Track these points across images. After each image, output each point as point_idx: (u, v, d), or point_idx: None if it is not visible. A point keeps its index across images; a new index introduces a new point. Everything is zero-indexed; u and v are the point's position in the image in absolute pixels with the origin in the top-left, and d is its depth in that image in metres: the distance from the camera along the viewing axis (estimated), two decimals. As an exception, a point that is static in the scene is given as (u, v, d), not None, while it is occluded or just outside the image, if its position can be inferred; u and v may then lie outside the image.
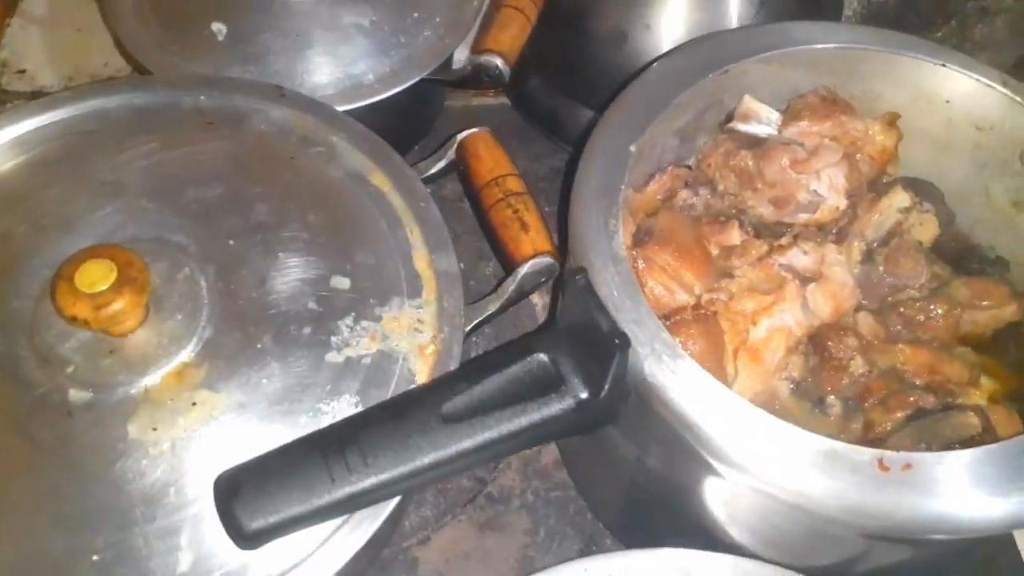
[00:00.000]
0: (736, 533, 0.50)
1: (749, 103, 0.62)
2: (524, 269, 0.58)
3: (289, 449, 0.43)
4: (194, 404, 0.48)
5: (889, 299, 0.60)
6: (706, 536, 0.52)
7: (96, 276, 0.46)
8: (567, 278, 0.44)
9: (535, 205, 0.61)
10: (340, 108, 0.68)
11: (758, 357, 0.57)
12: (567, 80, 0.86)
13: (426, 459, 0.44)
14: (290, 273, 0.54)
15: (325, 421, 0.48)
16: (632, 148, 0.51)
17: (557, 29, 0.82)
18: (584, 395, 0.45)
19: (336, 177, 0.60)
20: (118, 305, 0.46)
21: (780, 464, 0.42)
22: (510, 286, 0.59)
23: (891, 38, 0.60)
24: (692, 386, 0.44)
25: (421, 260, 0.57)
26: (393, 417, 0.44)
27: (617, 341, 0.41)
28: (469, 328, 0.59)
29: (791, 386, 0.58)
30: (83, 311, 0.45)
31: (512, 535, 0.69)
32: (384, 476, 0.43)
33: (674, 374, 0.44)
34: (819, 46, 0.60)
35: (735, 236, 0.62)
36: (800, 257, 0.60)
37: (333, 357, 0.51)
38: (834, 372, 0.56)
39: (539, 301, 0.76)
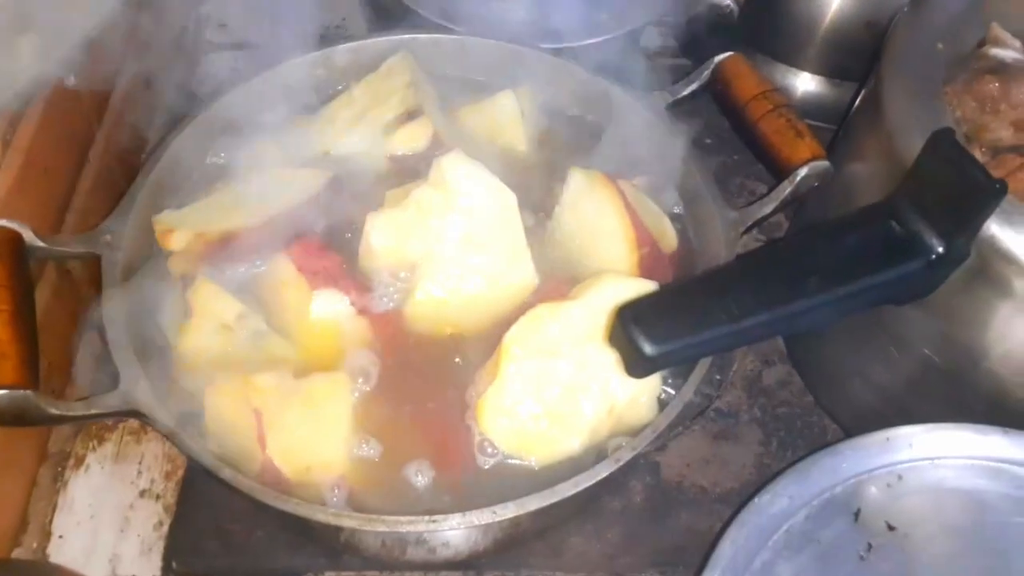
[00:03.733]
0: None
1: (997, 30, 0.66)
2: (803, 171, 0.62)
3: (682, 288, 0.47)
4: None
5: None
6: (992, 410, 0.56)
7: None
8: (931, 140, 0.48)
9: (803, 117, 0.65)
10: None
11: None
12: (757, 34, 0.90)
13: (798, 305, 0.47)
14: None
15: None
16: (940, 45, 0.55)
17: None
18: (940, 249, 0.48)
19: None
20: None
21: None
22: (787, 188, 0.62)
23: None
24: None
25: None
26: (769, 266, 0.48)
27: (998, 187, 0.45)
28: (744, 229, 0.63)
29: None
30: None
31: (747, 444, 0.72)
32: (766, 316, 0.46)
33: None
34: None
35: (977, 154, 0.66)
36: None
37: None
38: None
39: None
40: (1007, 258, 0.49)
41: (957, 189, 0.47)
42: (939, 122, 0.52)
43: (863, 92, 0.65)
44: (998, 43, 0.66)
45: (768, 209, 0.63)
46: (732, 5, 0.74)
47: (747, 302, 0.46)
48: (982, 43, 0.67)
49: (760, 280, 0.47)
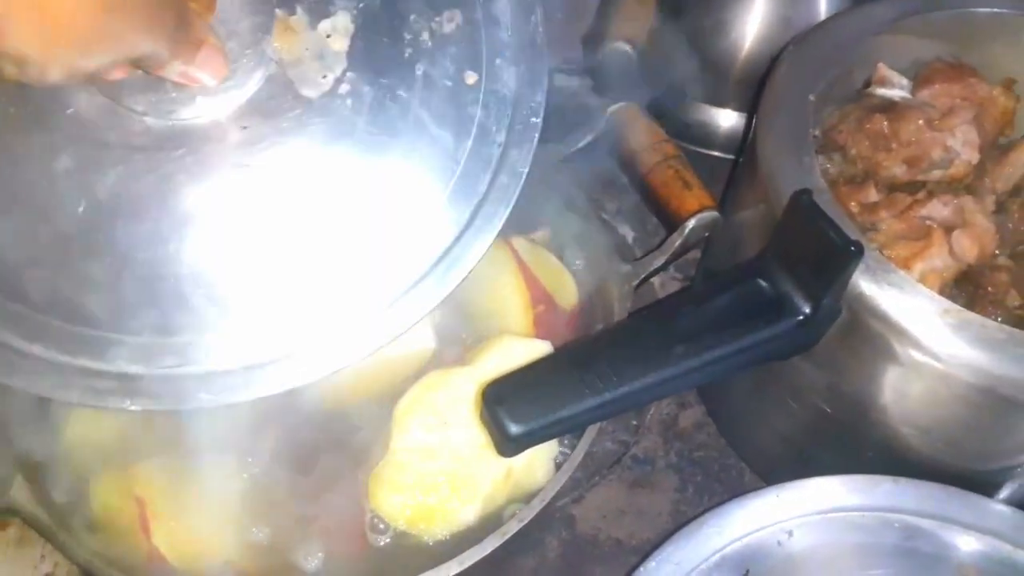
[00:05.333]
0: (919, 442, 0.53)
1: (884, 70, 0.67)
2: (691, 223, 0.62)
3: (545, 364, 0.46)
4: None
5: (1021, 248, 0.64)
6: (883, 458, 0.56)
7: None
8: (792, 201, 0.48)
9: (690, 166, 0.65)
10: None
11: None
12: (671, 73, 0.90)
13: (664, 373, 0.47)
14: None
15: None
16: (811, 97, 0.56)
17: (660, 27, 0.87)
18: (807, 310, 0.48)
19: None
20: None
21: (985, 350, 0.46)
22: (677, 240, 0.62)
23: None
24: (905, 297, 0.48)
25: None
26: (633, 336, 0.47)
27: (853, 249, 0.45)
28: (637, 283, 0.63)
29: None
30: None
31: (662, 492, 0.72)
32: (629, 388, 0.46)
33: (889, 287, 0.48)
34: (939, 13, 0.65)
35: (873, 195, 0.66)
36: (940, 208, 0.64)
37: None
38: (990, 306, 0.60)
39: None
40: (876, 314, 0.49)
41: (819, 250, 0.47)
42: (807, 179, 0.52)
43: (748, 141, 0.65)
44: (885, 83, 0.67)
45: (659, 262, 0.63)
46: (631, 51, 0.74)
47: (610, 375, 0.46)
48: (869, 82, 0.68)
49: (625, 351, 0.47)
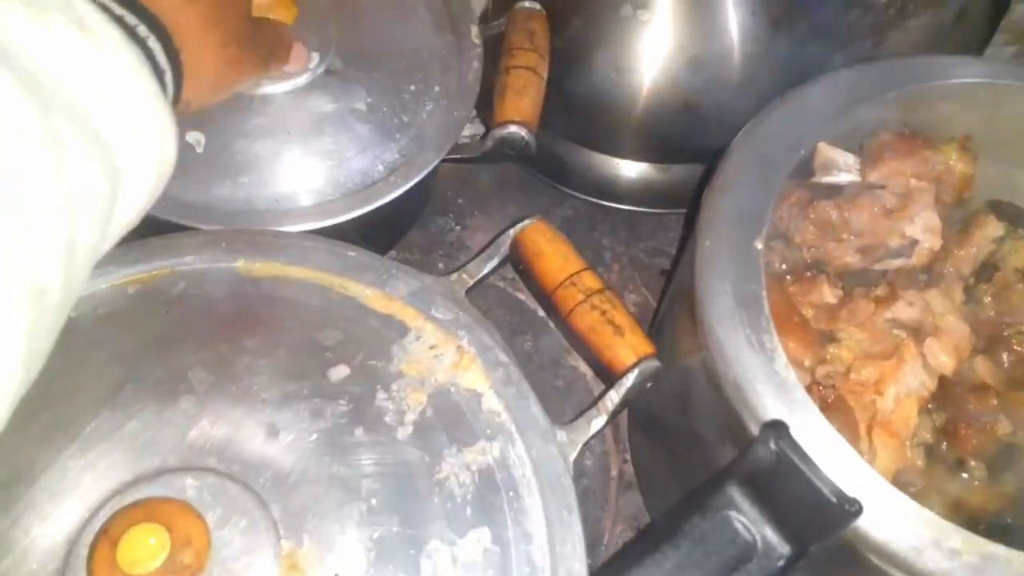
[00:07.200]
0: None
1: (826, 151, 0.57)
2: (631, 379, 0.52)
3: None
4: None
5: (1002, 333, 0.57)
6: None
7: (141, 552, 0.38)
8: (765, 430, 0.38)
9: (619, 300, 0.54)
10: (355, 213, 0.61)
11: (892, 431, 0.53)
12: (567, 123, 0.79)
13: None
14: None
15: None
16: (758, 245, 0.45)
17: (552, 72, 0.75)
18: (787, 552, 0.39)
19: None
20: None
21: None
22: (614, 399, 0.52)
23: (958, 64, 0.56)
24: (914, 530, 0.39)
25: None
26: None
27: (848, 508, 0.36)
28: (575, 453, 0.53)
29: (923, 451, 0.54)
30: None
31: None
32: None
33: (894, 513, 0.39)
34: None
35: (827, 293, 0.57)
36: (906, 309, 0.56)
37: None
38: (978, 435, 0.52)
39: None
40: (879, 552, 0.40)
41: (803, 496, 0.37)
42: (768, 365, 0.42)
43: (679, 264, 0.55)
44: (828, 167, 0.57)
45: (599, 425, 0.52)
46: (527, 137, 0.62)
47: None
48: (803, 166, 0.58)
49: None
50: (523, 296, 0.75)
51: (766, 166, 0.48)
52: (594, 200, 0.80)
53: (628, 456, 0.67)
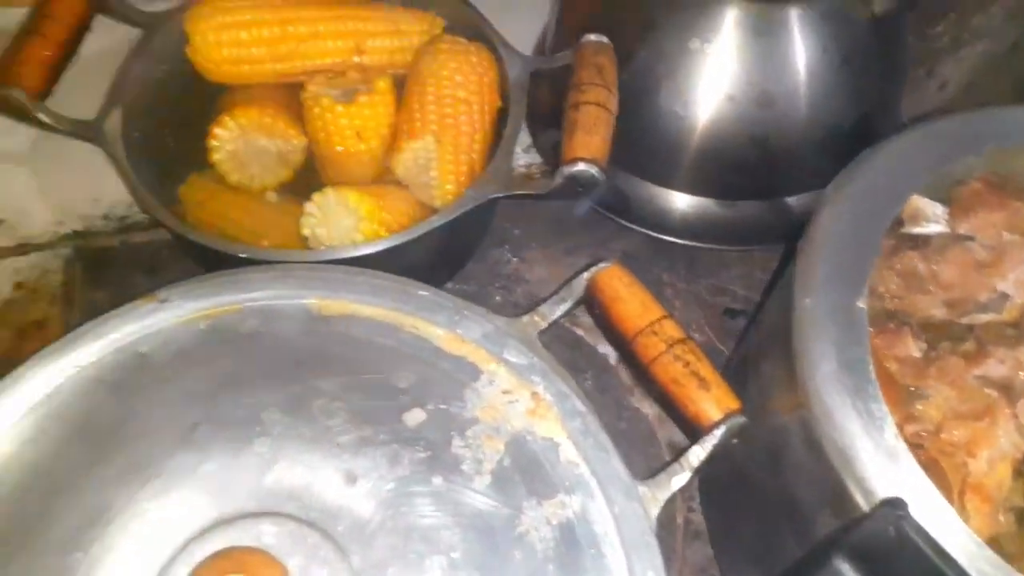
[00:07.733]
0: None
1: (915, 201, 0.55)
2: (717, 435, 0.50)
3: None
4: None
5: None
6: None
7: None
8: (877, 511, 0.37)
9: (701, 350, 0.53)
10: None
11: (985, 495, 0.51)
12: (628, 156, 0.78)
13: None
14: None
15: None
16: (861, 304, 0.44)
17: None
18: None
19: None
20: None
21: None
22: (700, 455, 0.50)
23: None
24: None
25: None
26: None
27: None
28: (658, 510, 0.51)
29: (1014, 516, 0.52)
30: None
31: None
32: None
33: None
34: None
35: (912, 347, 0.55)
36: (997, 367, 0.54)
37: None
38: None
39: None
40: None
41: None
42: (878, 434, 0.40)
43: (762, 314, 0.53)
44: (917, 219, 0.55)
45: (682, 482, 0.51)
46: (597, 175, 0.61)
47: None
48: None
49: None
50: (582, 332, 0.73)
51: (862, 221, 0.47)
52: (653, 234, 0.79)
53: (694, 504, 0.65)
